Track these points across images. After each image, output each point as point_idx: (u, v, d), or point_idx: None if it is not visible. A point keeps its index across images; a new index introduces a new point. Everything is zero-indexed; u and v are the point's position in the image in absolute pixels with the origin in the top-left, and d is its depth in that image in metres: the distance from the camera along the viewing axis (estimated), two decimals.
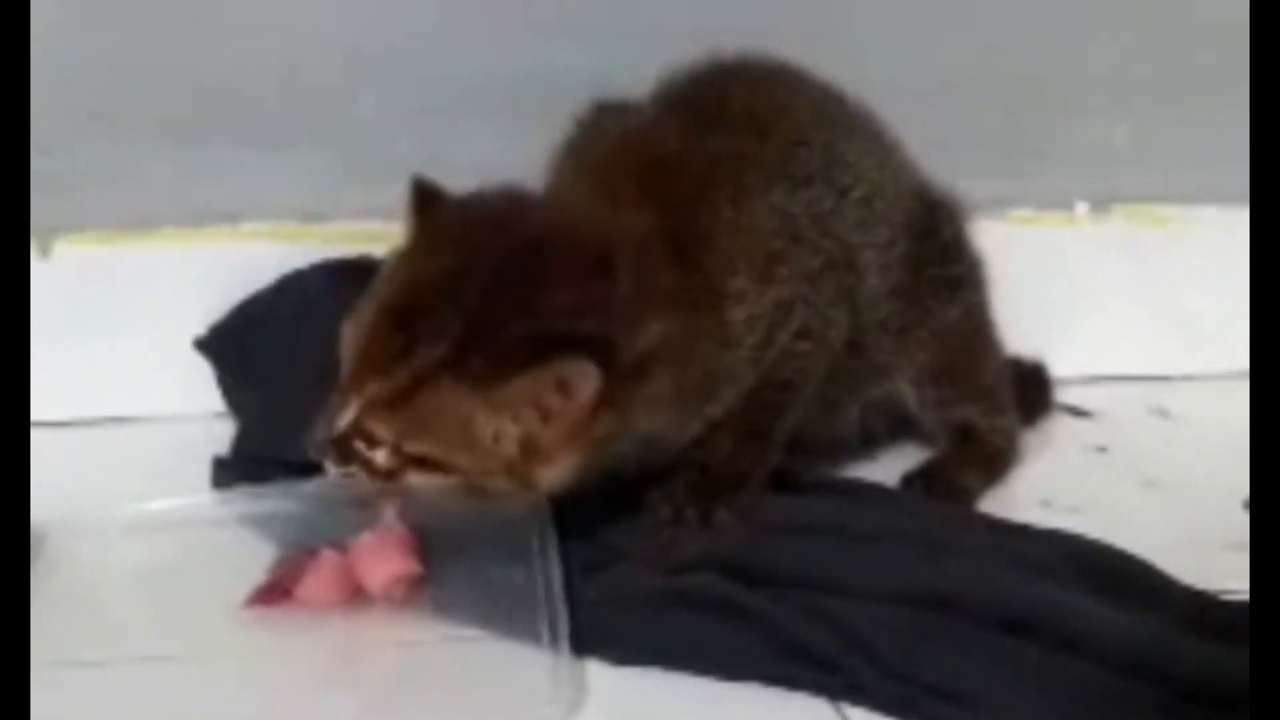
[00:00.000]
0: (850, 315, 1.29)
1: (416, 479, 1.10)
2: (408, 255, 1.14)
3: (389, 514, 1.17)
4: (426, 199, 1.15)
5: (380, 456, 1.09)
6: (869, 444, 1.44)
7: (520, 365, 1.05)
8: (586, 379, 1.06)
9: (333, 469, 1.11)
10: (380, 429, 1.08)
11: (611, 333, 1.08)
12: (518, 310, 1.07)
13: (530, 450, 1.08)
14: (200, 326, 1.54)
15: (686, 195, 1.20)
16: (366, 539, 1.16)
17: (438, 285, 1.09)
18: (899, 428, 1.44)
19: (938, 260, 1.39)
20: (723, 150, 1.25)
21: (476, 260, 1.09)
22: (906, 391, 1.41)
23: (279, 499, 1.28)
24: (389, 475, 1.09)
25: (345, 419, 1.09)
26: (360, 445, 1.09)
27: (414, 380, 1.06)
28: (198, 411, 1.53)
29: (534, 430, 1.07)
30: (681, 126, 1.27)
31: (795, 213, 1.25)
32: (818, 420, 1.32)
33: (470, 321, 1.06)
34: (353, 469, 1.10)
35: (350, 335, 1.11)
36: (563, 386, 1.06)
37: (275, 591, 1.15)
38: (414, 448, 1.08)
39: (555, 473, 1.10)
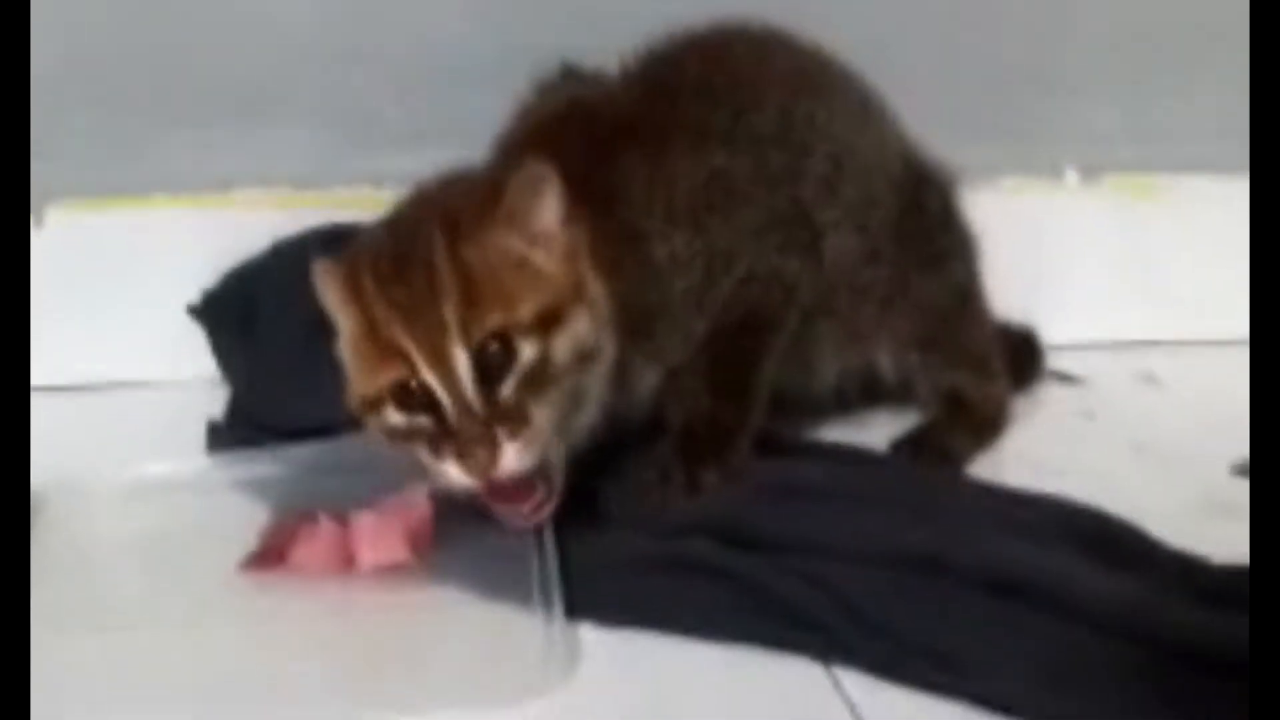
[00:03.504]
0: (808, 265, 1.30)
1: (559, 348, 1.11)
2: (355, 273, 1.14)
3: (416, 491, 1.17)
4: (330, 257, 1.19)
5: (526, 349, 1.10)
6: (845, 409, 1.45)
7: (493, 197, 1.12)
8: (544, 176, 1.13)
9: (511, 453, 1.09)
10: (488, 323, 1.09)
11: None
12: (467, 188, 1.16)
13: (565, 266, 1.14)
14: (194, 293, 1.55)
15: (602, 151, 1.23)
16: (367, 516, 1.17)
17: (395, 236, 1.14)
18: (888, 395, 1.45)
19: (923, 233, 1.40)
20: (657, 114, 1.28)
21: (409, 207, 1.18)
22: (886, 361, 1.42)
23: (273, 463, 1.30)
24: (544, 366, 1.10)
25: (465, 371, 1.09)
26: (506, 380, 1.09)
27: (454, 272, 1.09)
28: (192, 377, 1.54)
29: (548, 249, 1.14)
30: (633, 94, 1.31)
31: (734, 172, 1.27)
32: (792, 379, 1.34)
33: (439, 212, 1.13)
34: (526, 425, 1.10)
35: (380, 352, 1.11)
36: (532, 189, 1.13)
37: (269, 556, 1.15)
38: (522, 309, 1.10)
39: (595, 282, 1.15)
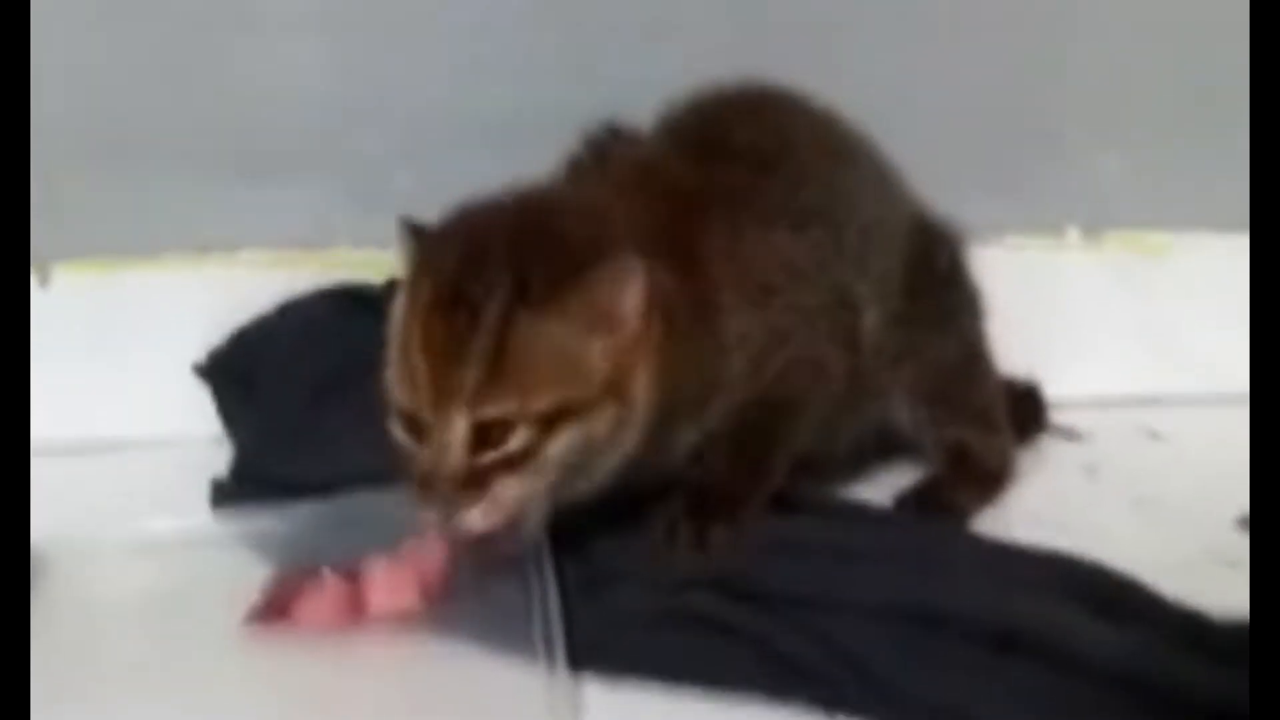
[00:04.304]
0: (849, 352, 1.30)
1: (556, 445, 1.08)
2: (420, 273, 1.12)
3: (429, 538, 1.16)
4: (417, 231, 1.15)
5: (518, 438, 1.07)
6: (859, 462, 1.44)
7: (576, 274, 1.08)
8: (634, 272, 1.09)
9: (472, 515, 1.08)
10: (500, 406, 1.06)
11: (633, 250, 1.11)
12: (553, 245, 1.10)
13: (618, 361, 1.10)
14: (200, 353, 1.56)
15: (682, 215, 1.21)
16: (380, 562, 1.17)
17: (467, 263, 1.09)
18: (891, 448, 1.45)
19: (933, 290, 1.40)
20: (723, 182, 1.26)
21: (494, 232, 1.11)
22: (900, 412, 1.42)
23: (277, 521, 1.29)
24: (530, 455, 1.07)
25: (458, 439, 1.07)
26: (488, 454, 1.07)
27: (495, 340, 1.06)
28: (197, 436, 1.53)
29: (610, 340, 1.10)
30: (685, 158, 1.29)
31: (797, 253, 1.26)
32: (815, 441, 1.32)
33: (515, 264, 1.08)
34: (488, 496, 1.08)
35: (402, 370, 1.09)
36: (616, 282, 1.09)
37: (272, 610, 1.16)
38: (539, 401, 1.07)
39: (644, 384, 1.12)
